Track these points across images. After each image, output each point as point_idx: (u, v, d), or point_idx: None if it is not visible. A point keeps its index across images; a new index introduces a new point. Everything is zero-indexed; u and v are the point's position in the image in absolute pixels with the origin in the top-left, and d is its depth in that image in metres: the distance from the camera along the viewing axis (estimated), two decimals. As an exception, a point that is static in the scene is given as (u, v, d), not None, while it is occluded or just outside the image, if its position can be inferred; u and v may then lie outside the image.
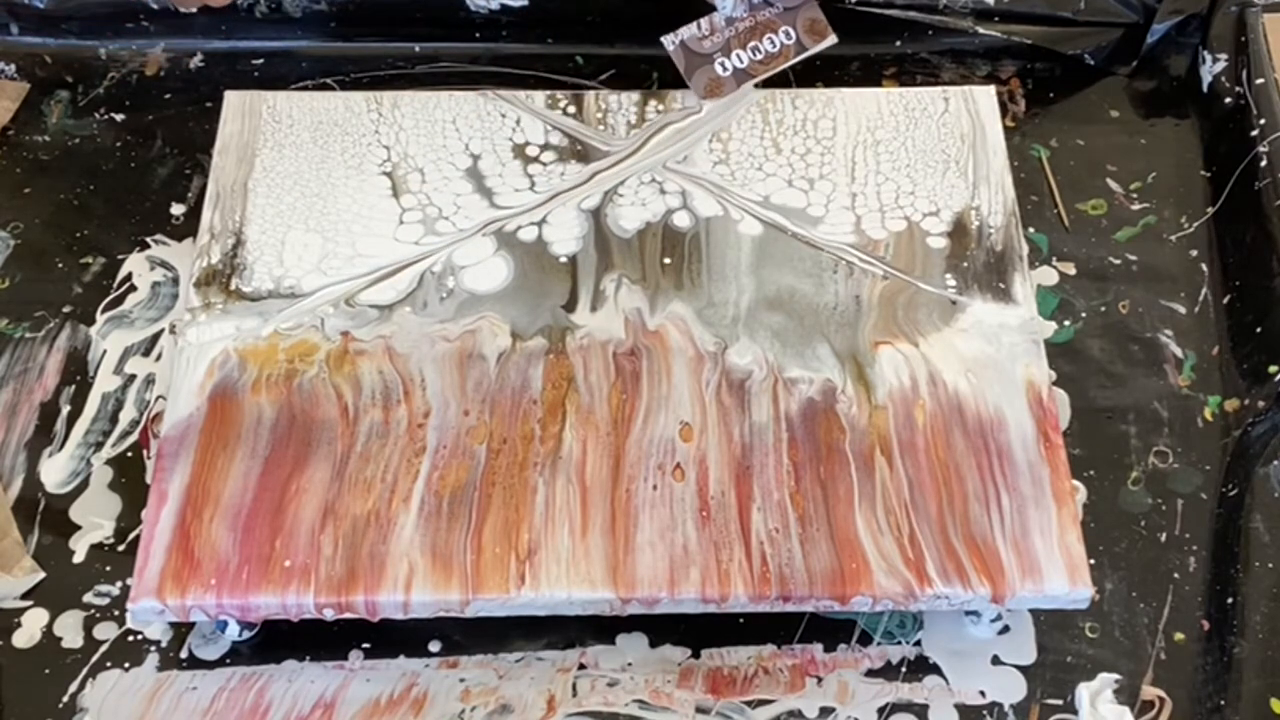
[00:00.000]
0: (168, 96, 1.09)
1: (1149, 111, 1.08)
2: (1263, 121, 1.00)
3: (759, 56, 0.97)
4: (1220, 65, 1.06)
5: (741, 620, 0.83)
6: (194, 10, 1.09)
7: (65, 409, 0.92)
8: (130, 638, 0.83)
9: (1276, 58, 1.04)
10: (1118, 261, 0.99)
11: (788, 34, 0.96)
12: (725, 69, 0.97)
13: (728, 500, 0.82)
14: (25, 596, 0.84)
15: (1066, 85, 1.10)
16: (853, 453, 0.83)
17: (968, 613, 0.83)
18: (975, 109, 0.99)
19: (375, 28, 1.11)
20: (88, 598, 0.84)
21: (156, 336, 0.95)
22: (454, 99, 1.00)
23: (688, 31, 0.97)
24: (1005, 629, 0.83)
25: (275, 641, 0.83)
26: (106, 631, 0.83)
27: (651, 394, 0.86)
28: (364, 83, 1.09)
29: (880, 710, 0.80)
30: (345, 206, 0.94)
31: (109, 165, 1.05)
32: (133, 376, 0.93)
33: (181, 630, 0.83)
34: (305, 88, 1.08)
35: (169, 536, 0.80)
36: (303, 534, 0.80)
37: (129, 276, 0.98)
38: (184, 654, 0.82)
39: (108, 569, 0.85)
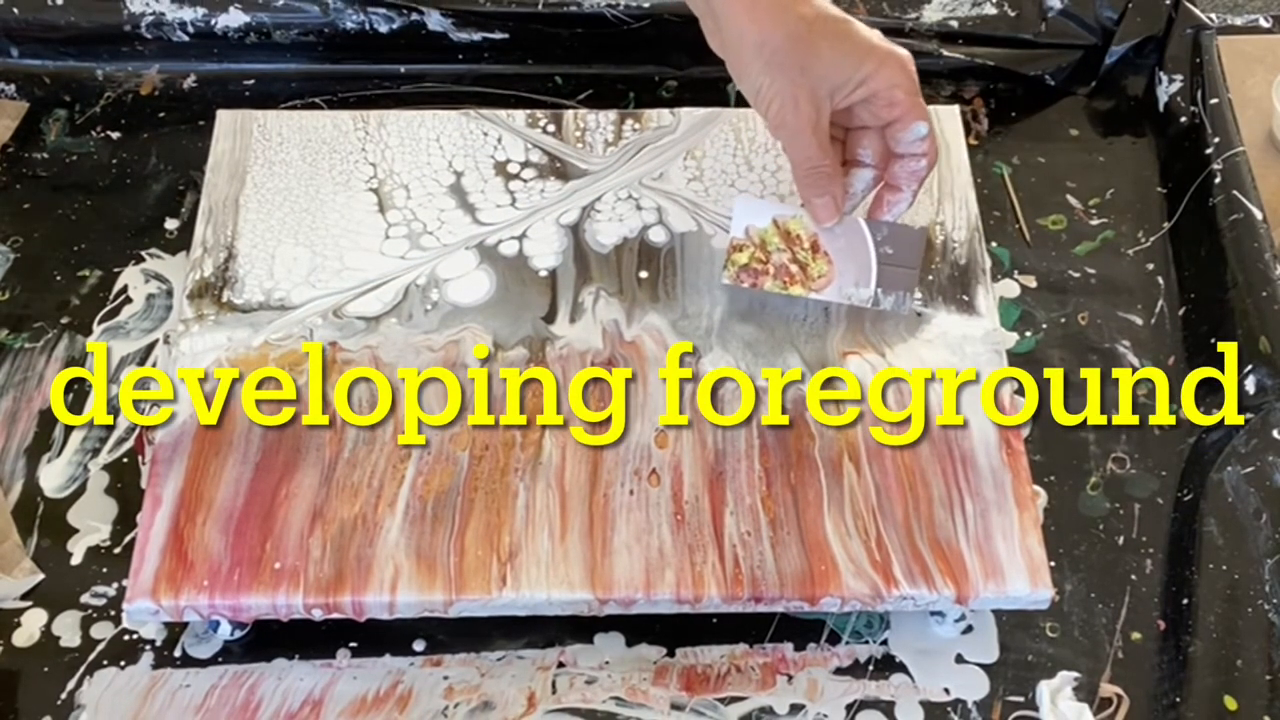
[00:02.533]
0: (162, 115, 1.09)
1: (1107, 130, 1.09)
2: (1217, 140, 1.01)
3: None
4: (1176, 86, 1.07)
5: (714, 620, 0.84)
6: (186, 38, 1.10)
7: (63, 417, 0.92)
8: (126, 637, 0.83)
9: (1230, 78, 1.04)
10: (1077, 275, 1.00)
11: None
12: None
13: (701, 505, 0.82)
14: (25, 597, 0.85)
15: (1028, 105, 1.10)
16: (822, 459, 0.84)
17: (933, 613, 0.83)
18: (940, 128, 0.99)
19: (360, 53, 1.12)
20: (85, 598, 0.85)
21: (151, 347, 0.95)
22: (438, 118, 1.00)
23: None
24: (969, 629, 0.84)
25: (266, 641, 0.83)
26: (103, 631, 0.83)
27: (628, 402, 0.86)
28: (351, 102, 1.10)
29: (848, 707, 0.81)
30: (333, 222, 0.95)
31: (105, 181, 1.05)
32: (128, 385, 0.93)
33: (175, 630, 0.83)
34: (294, 107, 1.08)
35: (163, 539, 0.80)
36: (292, 537, 0.80)
37: (124, 289, 0.98)
38: (178, 653, 0.83)
39: (104, 571, 0.86)
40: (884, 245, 0.88)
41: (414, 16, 1.10)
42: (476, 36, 1.11)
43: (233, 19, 1.10)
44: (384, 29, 1.11)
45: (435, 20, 1.10)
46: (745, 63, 0.83)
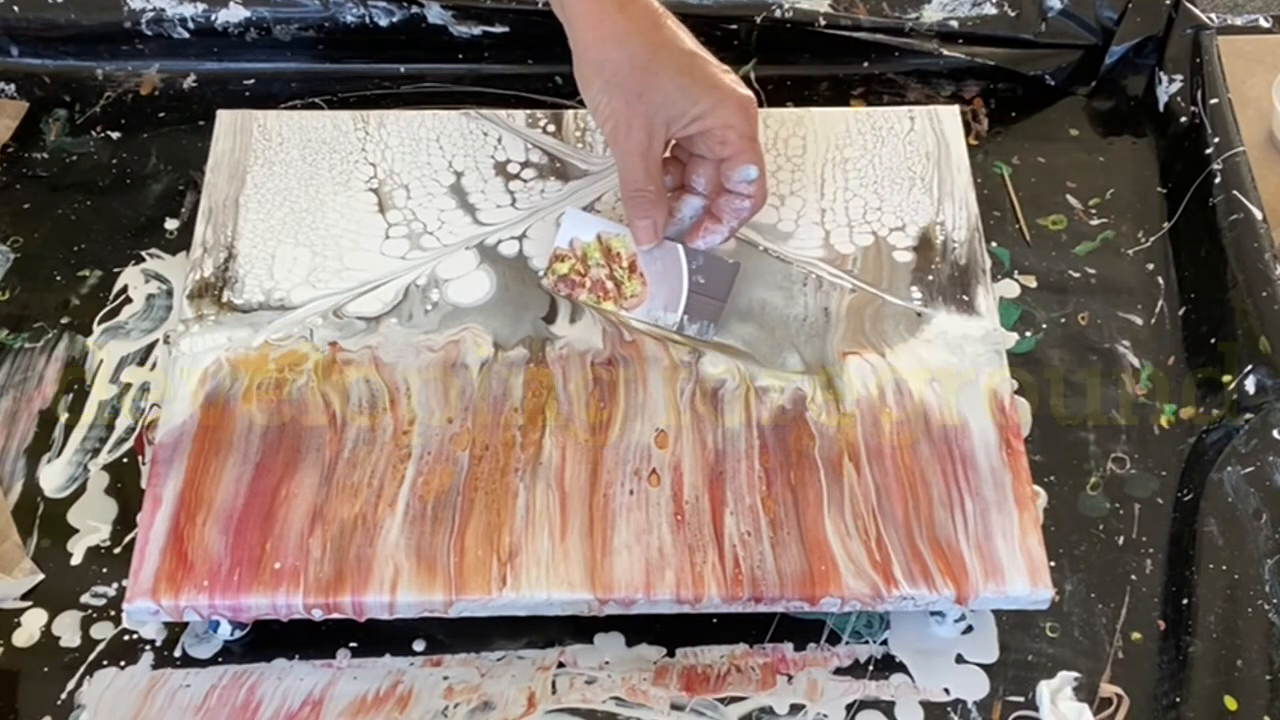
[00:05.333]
0: (162, 115, 1.09)
1: (1107, 130, 1.09)
2: (1217, 140, 1.01)
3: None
4: (1176, 85, 1.07)
5: (715, 620, 0.84)
6: (187, 34, 1.10)
7: (63, 417, 0.92)
8: (126, 637, 0.83)
9: (1230, 78, 1.04)
10: (1077, 275, 1.00)
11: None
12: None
13: (701, 505, 0.82)
14: (25, 597, 0.85)
15: (1028, 105, 1.10)
16: (822, 459, 0.84)
17: (933, 613, 0.84)
18: (940, 128, 0.99)
19: (361, 51, 1.12)
20: (85, 598, 0.85)
21: (151, 347, 0.95)
22: (438, 118, 1.00)
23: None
24: (969, 629, 0.84)
25: (266, 641, 0.83)
26: (103, 631, 0.84)
27: (628, 402, 0.86)
28: (351, 102, 1.10)
29: (848, 707, 0.81)
30: (333, 222, 0.95)
31: (105, 181, 1.05)
32: (128, 385, 0.93)
33: (175, 630, 0.84)
34: (294, 107, 1.08)
35: (163, 539, 0.80)
36: (292, 537, 0.80)
37: (125, 289, 0.98)
38: (178, 653, 0.83)
39: (104, 571, 0.86)
40: (697, 274, 0.90)
41: (414, 9, 1.10)
42: (477, 30, 1.11)
43: (233, 14, 1.10)
44: (384, 22, 1.11)
45: (435, 13, 1.10)
46: (587, 77, 0.85)
